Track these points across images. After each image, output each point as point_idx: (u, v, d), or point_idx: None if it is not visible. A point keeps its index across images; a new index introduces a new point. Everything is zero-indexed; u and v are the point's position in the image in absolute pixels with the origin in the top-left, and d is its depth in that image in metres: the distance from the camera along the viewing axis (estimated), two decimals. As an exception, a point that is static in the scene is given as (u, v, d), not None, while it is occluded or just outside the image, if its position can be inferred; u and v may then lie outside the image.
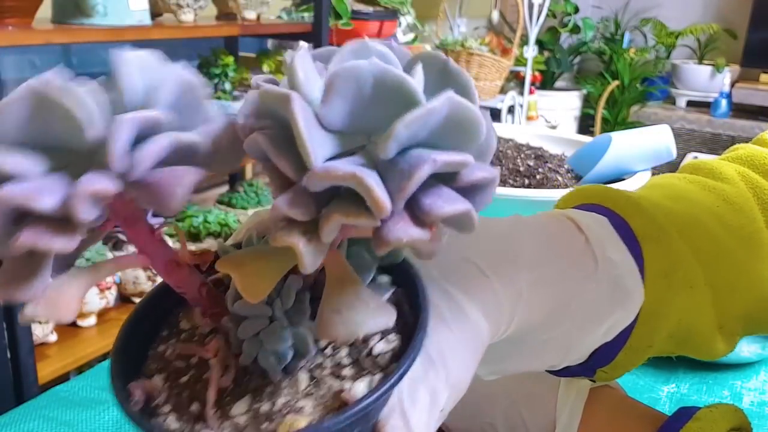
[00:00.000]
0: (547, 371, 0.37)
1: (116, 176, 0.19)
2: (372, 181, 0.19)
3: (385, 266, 0.26)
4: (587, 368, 0.36)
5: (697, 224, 0.37)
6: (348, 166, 0.19)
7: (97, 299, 1.42)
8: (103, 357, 1.39)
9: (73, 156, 0.20)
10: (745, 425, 0.42)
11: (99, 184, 0.19)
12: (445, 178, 0.21)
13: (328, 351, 0.26)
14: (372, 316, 0.23)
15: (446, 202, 0.21)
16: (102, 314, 1.48)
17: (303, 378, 0.25)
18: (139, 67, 0.21)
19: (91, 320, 1.45)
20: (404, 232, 0.20)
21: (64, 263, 0.22)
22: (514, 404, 0.45)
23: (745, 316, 0.39)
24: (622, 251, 0.34)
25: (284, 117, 0.20)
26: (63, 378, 1.31)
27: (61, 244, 0.19)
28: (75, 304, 0.21)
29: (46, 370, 1.29)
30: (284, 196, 0.20)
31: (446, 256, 0.29)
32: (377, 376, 0.24)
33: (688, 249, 0.36)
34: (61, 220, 0.19)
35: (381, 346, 0.25)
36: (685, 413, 0.42)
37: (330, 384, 0.25)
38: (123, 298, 1.56)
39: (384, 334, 0.26)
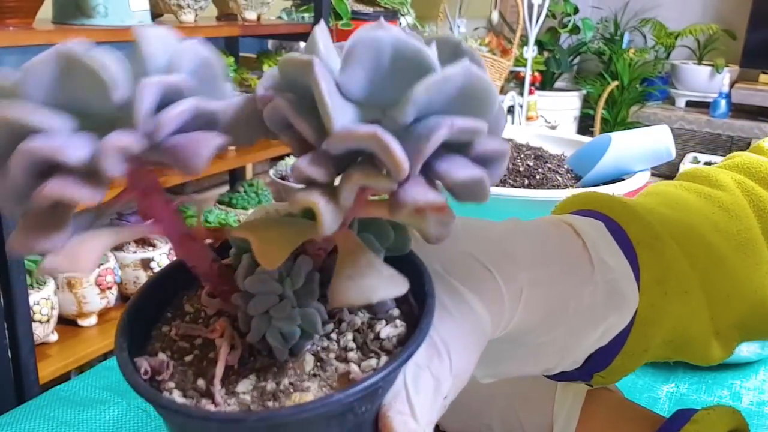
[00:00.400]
0: (544, 376, 0.37)
1: (141, 136, 0.20)
2: (392, 140, 0.19)
3: (391, 259, 0.26)
4: (584, 373, 0.37)
5: (693, 231, 0.38)
6: (368, 127, 0.20)
7: (97, 299, 1.42)
8: (104, 357, 1.40)
9: (98, 118, 0.21)
10: (743, 427, 0.42)
11: (125, 140, 0.20)
12: (458, 148, 0.22)
13: (334, 335, 0.26)
14: (385, 283, 0.23)
15: (461, 168, 0.21)
16: (103, 314, 1.48)
17: (309, 359, 0.25)
18: (160, 41, 0.21)
19: (92, 320, 1.45)
20: (421, 194, 0.20)
21: (82, 228, 0.22)
22: (511, 406, 0.45)
23: (741, 323, 0.39)
24: (618, 256, 0.34)
25: (305, 85, 0.20)
26: (64, 378, 1.31)
27: (87, 195, 0.20)
28: (95, 258, 0.21)
29: (46, 370, 1.29)
30: (305, 157, 0.20)
31: (449, 253, 0.30)
32: (383, 359, 0.25)
33: (683, 256, 0.36)
34: (87, 175, 0.20)
35: (388, 330, 0.26)
36: (683, 415, 0.42)
37: (336, 366, 0.25)
38: (124, 298, 1.56)
39: (389, 320, 0.26)
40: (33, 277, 1.29)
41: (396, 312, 0.27)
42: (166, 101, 0.20)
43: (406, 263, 0.27)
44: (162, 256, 1.55)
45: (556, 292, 0.32)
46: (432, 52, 0.21)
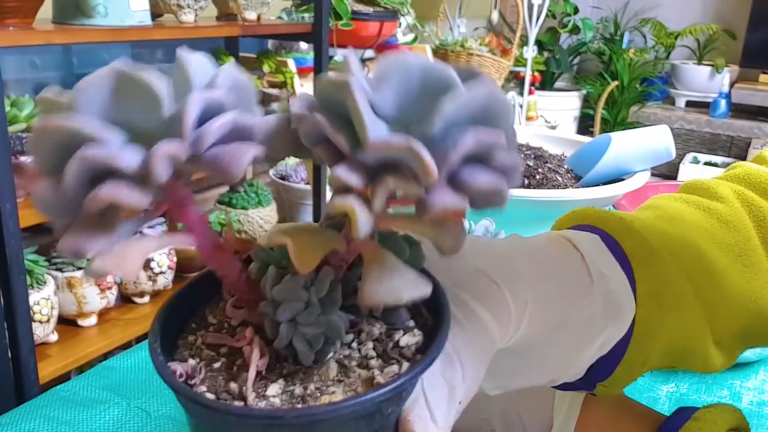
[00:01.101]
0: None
1: (187, 145, 0.22)
2: (423, 149, 0.22)
3: None
4: (587, 383, 0.38)
5: (690, 245, 0.39)
6: (402, 137, 0.22)
7: (97, 299, 1.42)
8: (104, 357, 1.40)
9: (145, 131, 0.23)
10: (744, 425, 0.43)
11: (174, 147, 0.22)
12: (479, 160, 0.24)
13: (355, 345, 0.28)
14: (412, 284, 0.25)
15: (483, 177, 0.23)
16: (102, 314, 1.48)
17: (333, 366, 0.27)
18: (200, 62, 0.24)
19: (92, 320, 1.45)
20: (448, 199, 0.22)
21: (125, 233, 0.24)
22: (511, 401, 0.46)
23: (743, 332, 0.40)
24: (615, 268, 0.36)
25: (340, 103, 0.23)
26: (64, 377, 1.31)
27: (137, 199, 0.22)
28: (139, 262, 0.23)
29: (46, 370, 1.29)
30: (341, 166, 0.22)
31: (458, 269, 0.32)
32: (405, 365, 0.27)
33: (679, 270, 0.37)
34: (137, 181, 0.22)
35: (407, 339, 0.28)
36: (684, 413, 0.42)
37: (359, 372, 0.27)
38: (123, 298, 1.56)
39: (407, 330, 0.28)
40: (33, 277, 1.29)
41: (412, 323, 0.29)
42: (208, 115, 0.23)
43: None
44: (162, 256, 1.55)
45: (558, 306, 0.34)
46: (455, 75, 0.23)
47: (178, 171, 0.23)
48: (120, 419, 0.57)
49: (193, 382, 0.26)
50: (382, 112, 0.23)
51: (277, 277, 0.26)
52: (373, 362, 0.27)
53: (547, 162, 0.79)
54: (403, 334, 0.28)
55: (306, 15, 2.01)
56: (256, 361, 0.26)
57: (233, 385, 0.26)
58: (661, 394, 0.64)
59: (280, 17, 2.07)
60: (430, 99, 0.23)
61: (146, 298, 1.57)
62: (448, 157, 0.22)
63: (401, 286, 0.24)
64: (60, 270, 1.38)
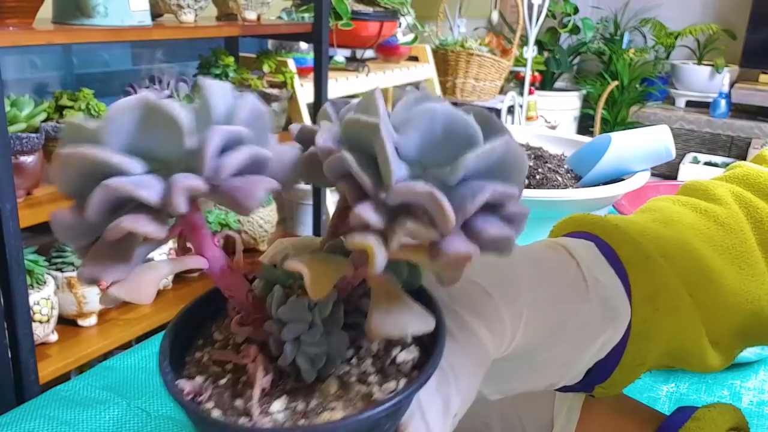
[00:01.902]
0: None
1: (206, 177, 0.23)
2: (444, 198, 0.23)
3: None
4: (586, 385, 0.39)
5: (686, 247, 0.39)
6: (425, 185, 0.23)
7: (97, 299, 1.43)
8: (104, 357, 1.40)
9: (165, 160, 0.24)
10: (743, 425, 0.43)
11: (194, 182, 0.23)
12: (491, 208, 0.25)
13: (354, 361, 0.29)
14: (417, 318, 0.27)
15: (494, 226, 0.25)
16: (102, 314, 1.48)
17: (333, 382, 0.28)
18: (221, 92, 0.25)
19: (92, 320, 1.45)
20: (463, 247, 0.24)
21: (139, 259, 0.25)
22: (511, 404, 0.45)
23: (740, 332, 0.40)
24: (609, 274, 0.37)
25: (366, 143, 0.24)
26: (64, 377, 1.32)
27: (155, 230, 0.23)
28: (153, 289, 0.24)
29: (46, 370, 1.29)
30: (364, 205, 0.24)
31: None
32: (402, 381, 0.28)
33: (674, 273, 0.38)
34: (154, 212, 0.23)
35: (403, 356, 0.29)
36: (684, 413, 0.42)
37: (358, 389, 0.28)
38: (123, 298, 1.56)
39: (404, 346, 0.29)
40: (33, 277, 1.29)
41: (409, 338, 0.30)
42: (227, 146, 0.24)
43: (416, 292, 0.30)
44: (162, 256, 1.55)
45: (554, 312, 0.34)
46: (477, 126, 0.25)
47: (194, 201, 0.24)
48: (120, 419, 0.57)
49: (200, 399, 0.27)
50: (405, 155, 0.25)
51: (282, 297, 0.28)
52: (372, 378, 0.28)
53: (547, 162, 0.79)
54: (401, 351, 0.29)
55: (306, 15, 2.02)
56: (261, 380, 0.27)
57: (239, 402, 0.27)
58: (661, 394, 0.64)
59: (280, 17, 2.07)
60: (453, 147, 0.24)
61: (146, 298, 1.57)
62: (465, 206, 0.23)
63: (408, 321, 0.26)
64: (60, 270, 1.38)
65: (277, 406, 0.27)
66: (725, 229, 0.41)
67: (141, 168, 0.23)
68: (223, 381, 0.28)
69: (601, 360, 0.37)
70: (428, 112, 0.24)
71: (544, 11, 2.94)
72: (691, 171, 3.28)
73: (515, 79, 3.36)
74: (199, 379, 0.28)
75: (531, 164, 0.77)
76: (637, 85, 3.60)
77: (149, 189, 0.23)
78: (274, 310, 0.28)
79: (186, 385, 0.27)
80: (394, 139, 0.24)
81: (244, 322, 0.29)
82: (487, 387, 0.35)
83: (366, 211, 0.23)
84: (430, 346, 0.29)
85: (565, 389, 0.39)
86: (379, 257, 0.23)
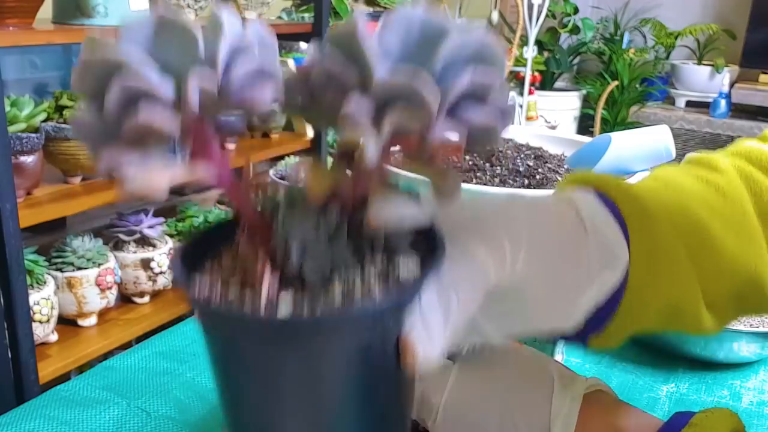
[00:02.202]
0: (545, 340, 0.41)
1: (218, 78, 0.25)
2: (422, 85, 0.24)
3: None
4: (583, 336, 0.40)
5: (686, 210, 0.41)
6: (405, 75, 0.25)
7: (97, 299, 1.43)
8: (104, 357, 1.40)
9: (179, 70, 0.25)
10: (741, 429, 0.42)
11: (206, 78, 0.25)
12: (477, 99, 0.26)
13: (359, 275, 0.31)
14: (412, 209, 0.30)
15: (479, 114, 0.26)
16: (102, 314, 1.48)
17: (338, 290, 0.29)
18: (230, 16, 0.26)
19: (92, 320, 1.45)
20: (449, 132, 0.25)
21: (153, 157, 0.27)
22: (508, 411, 0.45)
23: (735, 297, 0.41)
24: (610, 222, 0.38)
25: (349, 48, 0.25)
26: (64, 377, 1.31)
27: (169, 122, 0.24)
28: (167, 181, 0.26)
29: (46, 370, 1.29)
30: (350, 101, 0.25)
31: (456, 217, 0.35)
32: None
33: (674, 232, 0.39)
34: (169, 108, 0.25)
35: (406, 270, 0.31)
36: (681, 418, 0.42)
37: (361, 294, 0.29)
38: (123, 298, 1.56)
39: (406, 263, 0.32)
40: (33, 277, 1.29)
41: (412, 256, 0.32)
42: (235, 57, 0.26)
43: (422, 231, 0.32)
44: (162, 256, 1.55)
45: (554, 250, 0.36)
46: (452, 24, 0.26)
47: (206, 106, 0.25)
48: (120, 419, 0.57)
49: (210, 297, 0.29)
50: (387, 55, 0.26)
51: (289, 209, 0.30)
52: (375, 288, 0.30)
53: (547, 162, 0.79)
54: (403, 267, 0.31)
55: (306, 15, 2.02)
56: (269, 276, 0.29)
57: (247, 301, 0.28)
58: (661, 394, 0.64)
59: (280, 17, 2.07)
60: (431, 45, 0.26)
61: (146, 298, 1.57)
62: (447, 92, 0.25)
63: (403, 210, 0.29)
64: (60, 270, 1.38)
65: (283, 309, 0.28)
66: (726, 197, 0.42)
67: (156, 72, 0.25)
68: (232, 286, 0.30)
69: (598, 309, 0.38)
70: (404, 16, 0.26)
71: (544, 11, 2.93)
72: (691, 171, 3.28)
73: (515, 79, 3.35)
74: (208, 280, 0.30)
75: (531, 164, 0.77)
76: (637, 85, 3.60)
77: (165, 84, 0.24)
78: (280, 218, 0.29)
79: (197, 283, 0.29)
80: (374, 41, 0.26)
81: (252, 238, 0.30)
82: (492, 327, 0.36)
83: (353, 105, 0.25)
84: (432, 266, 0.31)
85: (565, 341, 0.41)
86: (371, 145, 0.25)
